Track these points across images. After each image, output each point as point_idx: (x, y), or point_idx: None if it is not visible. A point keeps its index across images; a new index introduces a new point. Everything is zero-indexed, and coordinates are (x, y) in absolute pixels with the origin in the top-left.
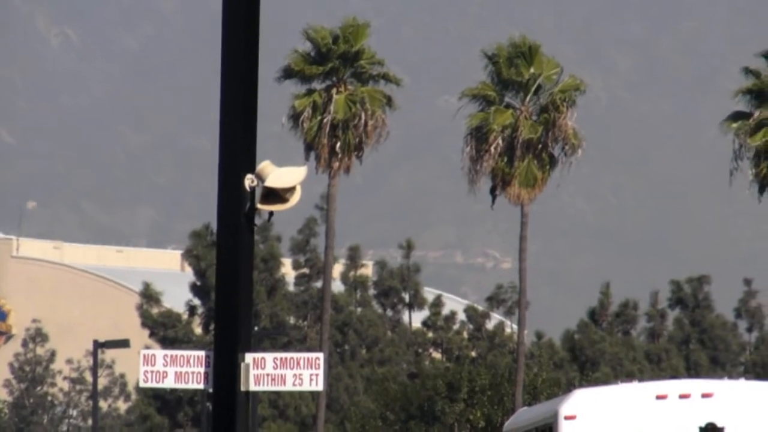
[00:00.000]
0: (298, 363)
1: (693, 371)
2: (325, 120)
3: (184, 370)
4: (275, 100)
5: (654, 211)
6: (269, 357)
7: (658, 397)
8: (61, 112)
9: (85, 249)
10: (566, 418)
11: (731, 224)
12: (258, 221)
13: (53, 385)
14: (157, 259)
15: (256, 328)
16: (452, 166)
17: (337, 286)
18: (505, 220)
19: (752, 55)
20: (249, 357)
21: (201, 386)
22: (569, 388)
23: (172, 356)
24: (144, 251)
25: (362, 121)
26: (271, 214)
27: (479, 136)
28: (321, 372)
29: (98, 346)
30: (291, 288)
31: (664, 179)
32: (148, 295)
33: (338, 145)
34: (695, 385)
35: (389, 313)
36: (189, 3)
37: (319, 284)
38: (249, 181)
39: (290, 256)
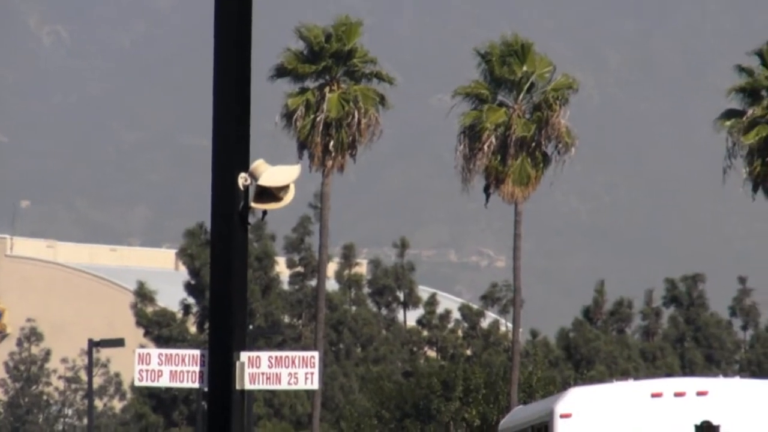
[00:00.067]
0: (293, 362)
1: (688, 369)
2: (318, 118)
3: (179, 369)
4: (268, 98)
5: (648, 209)
6: (264, 356)
7: (654, 396)
8: (54, 110)
9: (78, 248)
10: (562, 416)
11: (725, 222)
12: (252, 220)
13: (48, 384)
14: (151, 257)
15: (250, 327)
16: (446, 164)
17: (332, 285)
18: (498, 219)
19: (745, 54)
20: (244, 356)
21: (196, 385)
22: (564, 386)
23: (167, 355)
24: (138, 250)
25: (355, 119)
26: (264, 212)
27: (472, 134)
28: (316, 371)
29: (93, 345)
30: (285, 287)
31: (657, 177)
32: (143, 294)
33: (331, 143)
34: (690, 384)
35: (384, 311)
36: (182, 0)
37: (313, 283)
38: (242, 179)
39: (284, 255)
